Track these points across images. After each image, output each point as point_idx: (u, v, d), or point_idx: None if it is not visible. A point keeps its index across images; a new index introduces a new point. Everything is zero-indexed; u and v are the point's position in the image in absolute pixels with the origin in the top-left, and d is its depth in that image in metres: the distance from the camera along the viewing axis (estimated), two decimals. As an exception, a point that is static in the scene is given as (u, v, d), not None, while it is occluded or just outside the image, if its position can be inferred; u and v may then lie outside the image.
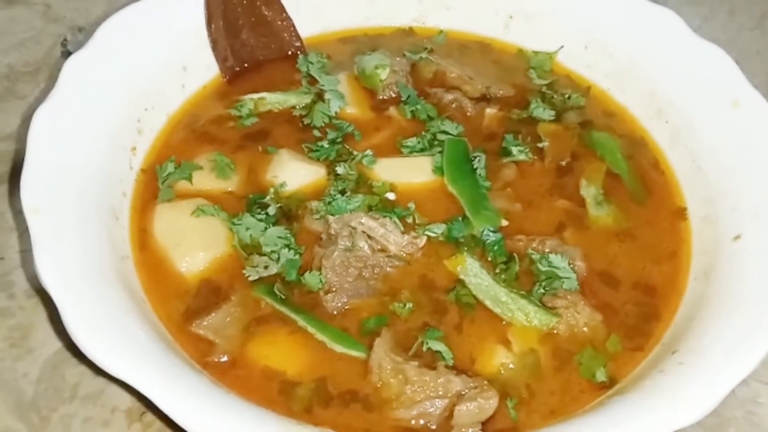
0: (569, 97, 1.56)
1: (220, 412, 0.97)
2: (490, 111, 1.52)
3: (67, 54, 1.75)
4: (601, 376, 1.17)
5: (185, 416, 0.94)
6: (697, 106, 1.43)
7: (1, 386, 1.22)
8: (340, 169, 1.38)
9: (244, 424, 0.96)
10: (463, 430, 1.09)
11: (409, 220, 1.32)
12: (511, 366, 1.17)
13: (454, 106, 1.53)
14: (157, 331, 1.12)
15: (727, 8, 2.00)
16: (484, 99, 1.55)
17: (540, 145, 1.46)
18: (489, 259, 1.28)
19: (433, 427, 1.10)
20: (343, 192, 1.33)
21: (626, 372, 1.17)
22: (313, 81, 1.53)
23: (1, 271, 1.37)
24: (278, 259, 1.25)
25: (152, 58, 1.45)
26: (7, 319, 1.31)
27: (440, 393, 1.10)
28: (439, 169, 1.39)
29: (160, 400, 0.95)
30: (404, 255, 1.28)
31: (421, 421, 1.10)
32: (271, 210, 1.31)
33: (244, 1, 1.55)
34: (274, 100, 1.51)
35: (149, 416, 1.20)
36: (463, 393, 1.10)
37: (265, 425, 0.98)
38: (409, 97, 1.52)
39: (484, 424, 1.11)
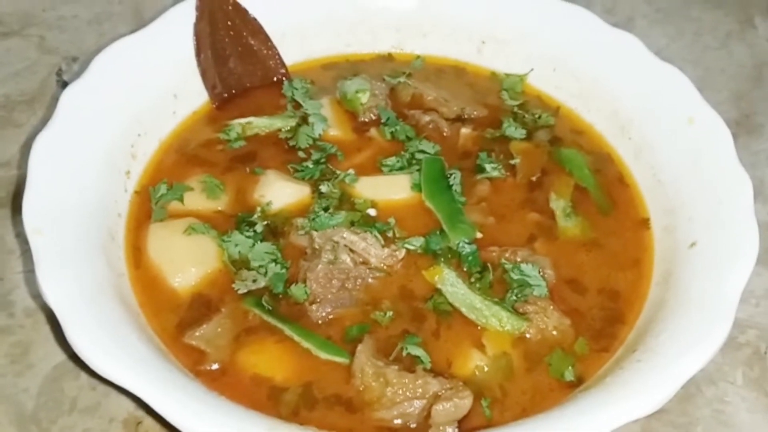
0: (539, 117, 1.61)
1: (213, 414, 1.02)
2: (465, 131, 1.57)
3: (62, 83, 1.78)
4: (569, 375, 1.21)
5: (181, 418, 0.99)
6: (656, 123, 1.49)
7: (2, 400, 1.26)
8: (323, 188, 1.42)
9: (236, 425, 1.01)
10: (441, 428, 1.13)
11: (390, 234, 1.36)
12: (485, 368, 1.21)
13: (431, 126, 1.57)
14: (152, 342, 1.17)
15: (694, 29, 2.06)
16: (460, 120, 1.60)
17: (512, 162, 1.51)
18: (465, 269, 1.33)
19: (413, 425, 1.15)
20: (326, 209, 1.38)
21: (593, 371, 1.22)
22: (297, 105, 1.58)
23: (2, 291, 1.41)
24: (266, 273, 1.30)
25: (145, 86, 1.50)
26: (7, 337, 1.34)
27: (419, 394, 1.14)
28: (417, 186, 1.44)
29: (158, 404, 0.99)
30: (385, 267, 1.33)
31: (401, 421, 1.15)
32: (259, 227, 1.36)
33: (231, 32, 1.61)
34: (260, 123, 1.55)
35: (145, 426, 1.24)
36: (440, 393, 1.14)
37: (256, 425, 1.02)
38: (388, 119, 1.56)
39: (460, 422, 1.15)
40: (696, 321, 1.15)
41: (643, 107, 1.52)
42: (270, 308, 1.27)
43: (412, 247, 1.35)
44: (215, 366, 1.20)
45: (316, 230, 1.34)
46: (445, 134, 1.58)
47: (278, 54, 1.66)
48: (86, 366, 1.07)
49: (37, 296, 1.20)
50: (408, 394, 1.15)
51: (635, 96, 1.54)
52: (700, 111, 1.43)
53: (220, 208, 1.42)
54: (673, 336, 1.15)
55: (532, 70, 1.69)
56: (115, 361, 1.05)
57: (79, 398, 1.28)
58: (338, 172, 1.47)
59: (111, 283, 1.21)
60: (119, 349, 1.07)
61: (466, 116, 1.62)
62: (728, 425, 1.29)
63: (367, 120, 1.60)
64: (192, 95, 1.59)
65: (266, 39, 1.65)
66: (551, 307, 1.28)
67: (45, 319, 1.38)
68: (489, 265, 1.33)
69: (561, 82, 1.66)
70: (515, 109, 1.64)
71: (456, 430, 1.15)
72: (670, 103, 1.48)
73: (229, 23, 1.61)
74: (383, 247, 1.34)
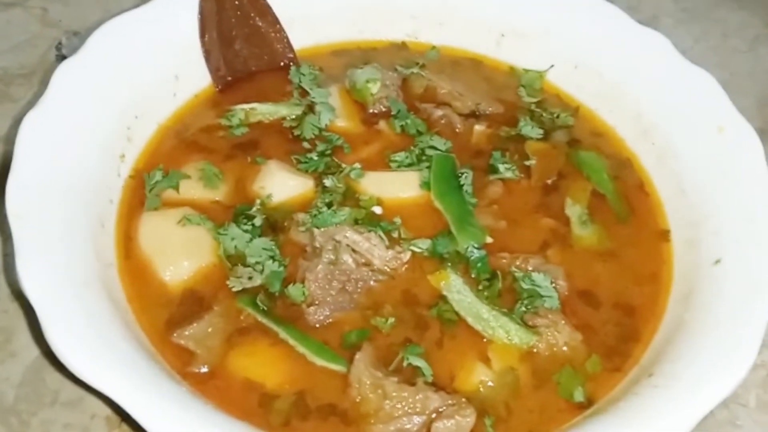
0: (558, 116, 1.57)
1: (196, 424, 0.97)
2: (479, 128, 1.52)
3: (61, 58, 1.72)
4: (578, 396, 1.17)
5: (161, 428, 0.94)
6: (682, 129, 1.44)
7: (-18, 389, 1.22)
8: (327, 182, 1.38)
9: None
10: (441, 447, 1.09)
11: (395, 235, 1.32)
12: (490, 384, 1.17)
13: (443, 121, 1.53)
14: (138, 340, 1.12)
15: (721, 30, 2.01)
16: (474, 115, 1.56)
17: (527, 163, 1.46)
18: (472, 275, 1.29)
19: (411, 443, 1.11)
20: (329, 204, 1.33)
21: (604, 392, 1.18)
22: (304, 93, 1.53)
23: (-16, 274, 1.37)
24: (262, 270, 1.25)
25: (145, 66, 1.45)
26: (-11, 323, 1.30)
27: (418, 409, 1.11)
28: (426, 185, 1.40)
29: (137, 412, 0.95)
30: (388, 269, 1.28)
31: None
32: (257, 221, 1.31)
33: (239, 12, 1.56)
34: (264, 110, 1.51)
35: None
36: (441, 410, 1.10)
37: (241, 438, 0.99)
38: (399, 111, 1.52)
39: None
40: (719, 345, 1.11)
41: (669, 111, 1.47)
42: (265, 308, 1.22)
43: (418, 250, 1.31)
44: (204, 368, 1.16)
45: (318, 227, 1.30)
46: (457, 130, 1.53)
47: (286, 37, 1.62)
48: (63, 365, 1.02)
49: (16, 283, 1.15)
50: (407, 408, 1.11)
51: (661, 99, 1.49)
52: (731, 119, 1.39)
53: (217, 199, 1.38)
54: (694, 361, 1.10)
55: (552, 66, 1.64)
56: (93, 362, 1.00)
57: (62, 391, 1.24)
58: (344, 165, 1.42)
59: (97, 274, 1.17)
60: (100, 348, 1.02)
61: (480, 112, 1.58)
62: (739, 450, 1.25)
63: (376, 111, 1.55)
64: (194, 77, 1.54)
65: (274, 21, 1.60)
66: (563, 321, 1.24)
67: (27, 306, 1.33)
68: (498, 272, 1.29)
69: (582, 81, 1.61)
70: (533, 107, 1.59)
71: (457, 449, 1.10)
72: (699, 108, 1.43)
73: (236, 2, 1.56)
74: (388, 248, 1.29)
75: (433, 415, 1.10)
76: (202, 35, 1.54)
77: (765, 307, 1.13)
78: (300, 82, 1.55)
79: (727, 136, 1.37)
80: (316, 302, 1.23)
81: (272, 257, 1.26)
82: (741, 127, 1.37)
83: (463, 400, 1.12)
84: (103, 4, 1.89)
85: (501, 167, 1.44)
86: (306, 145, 1.46)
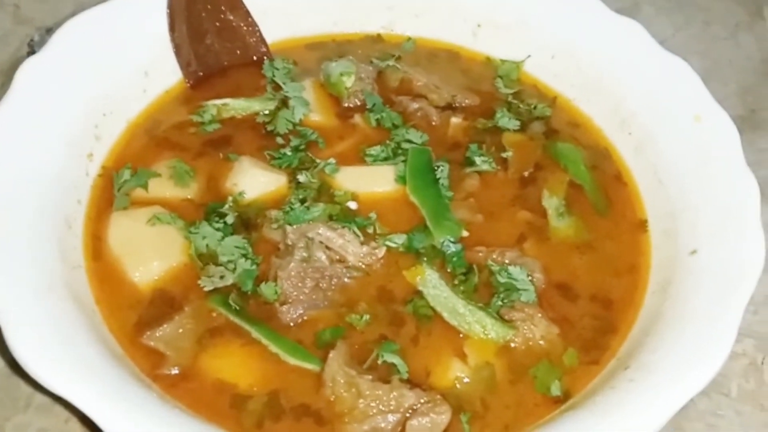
0: (535, 107, 1.55)
1: (164, 431, 0.95)
2: (456, 120, 1.51)
3: (33, 55, 1.73)
4: (555, 390, 1.16)
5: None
6: (659, 118, 1.43)
7: (-47, 395, 1.20)
8: (301, 177, 1.36)
9: None
10: (416, 445, 1.08)
11: (370, 230, 1.31)
12: (466, 380, 1.16)
13: (419, 114, 1.52)
14: (106, 343, 1.11)
15: (702, 18, 2.00)
16: (450, 108, 1.54)
17: (504, 155, 1.45)
18: (448, 270, 1.28)
19: (386, 441, 1.09)
20: (303, 201, 1.32)
21: (581, 386, 1.17)
22: (277, 87, 1.51)
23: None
24: (234, 269, 1.23)
25: (113, 61, 1.43)
26: (-41, 327, 1.29)
27: (392, 407, 1.09)
28: (401, 179, 1.38)
29: (102, 421, 0.93)
30: (363, 266, 1.27)
31: None
32: (230, 219, 1.29)
33: (209, 6, 1.53)
34: (237, 106, 1.49)
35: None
36: (415, 407, 1.09)
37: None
38: (374, 104, 1.51)
39: None
40: (695, 337, 1.10)
41: (647, 101, 1.46)
42: (237, 308, 1.21)
43: (393, 245, 1.30)
44: (175, 370, 1.15)
45: (290, 224, 1.28)
46: (433, 123, 1.51)
47: (259, 31, 1.59)
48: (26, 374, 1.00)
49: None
50: (381, 407, 1.10)
51: (638, 88, 1.48)
52: (708, 108, 1.38)
53: (189, 197, 1.36)
54: (670, 353, 1.09)
55: (529, 56, 1.62)
56: (58, 369, 0.98)
57: (35, 395, 1.22)
58: (318, 160, 1.41)
59: (63, 277, 1.15)
60: (65, 355, 1.00)
61: (457, 104, 1.56)
62: (722, 439, 1.25)
63: (351, 105, 1.53)
64: (164, 73, 1.52)
65: (246, 14, 1.57)
66: (539, 314, 1.23)
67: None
68: (475, 266, 1.28)
69: (560, 71, 1.60)
70: (510, 98, 1.58)
71: (432, 447, 1.09)
72: (676, 98, 1.42)
73: (206, -4, 1.54)
74: (362, 244, 1.28)
75: (408, 413, 1.09)
76: (172, 30, 1.51)
77: (742, 298, 1.12)
78: (273, 76, 1.53)
79: (704, 125, 1.36)
80: (289, 300, 1.21)
81: (245, 255, 1.25)
82: (718, 115, 1.36)
83: (438, 397, 1.11)
84: (76, 1, 1.84)
85: (477, 160, 1.43)
86: (279, 140, 1.44)
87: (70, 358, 1.00)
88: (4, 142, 1.21)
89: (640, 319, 1.24)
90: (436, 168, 1.39)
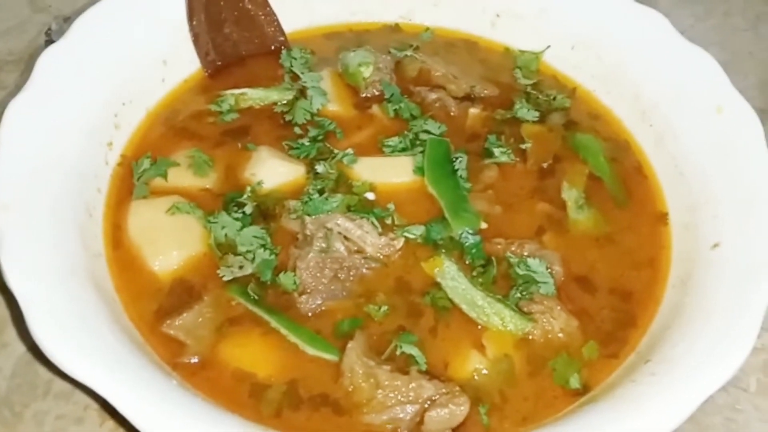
0: (554, 98, 1.54)
1: (184, 418, 0.95)
2: (474, 111, 1.50)
3: (51, 44, 1.71)
4: (574, 382, 1.16)
5: (147, 423, 0.93)
6: (681, 110, 1.42)
7: (-26, 382, 1.21)
8: (319, 168, 1.36)
9: (208, 430, 0.95)
10: (434, 436, 1.08)
11: (388, 221, 1.30)
12: (484, 371, 1.16)
13: (437, 105, 1.51)
14: (126, 331, 1.11)
15: (723, 9, 1.98)
16: (469, 98, 1.53)
17: (523, 146, 1.44)
18: (467, 262, 1.27)
19: (404, 432, 1.10)
20: (321, 191, 1.32)
21: (600, 379, 1.16)
22: (295, 77, 1.51)
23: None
24: (253, 259, 1.23)
25: (132, 50, 1.43)
26: (-20, 314, 1.29)
27: (411, 398, 1.09)
28: (420, 170, 1.38)
29: (124, 406, 0.93)
30: (381, 257, 1.27)
31: (392, 427, 1.09)
32: (248, 209, 1.29)
33: (227, -5, 1.54)
34: (255, 95, 1.48)
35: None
36: (434, 398, 1.09)
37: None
38: (392, 95, 1.50)
39: (455, 430, 1.10)
40: (717, 332, 1.09)
41: (668, 92, 1.45)
42: (256, 297, 1.21)
43: (411, 236, 1.30)
44: (194, 359, 1.15)
45: (309, 215, 1.28)
46: (452, 114, 1.51)
47: (277, 20, 1.59)
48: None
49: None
50: (400, 397, 1.10)
51: (659, 79, 1.47)
52: (730, 99, 1.36)
53: (207, 186, 1.36)
54: (692, 347, 1.08)
55: (548, 47, 1.61)
56: (80, 356, 0.98)
57: (54, 382, 1.23)
58: (336, 151, 1.40)
59: (84, 265, 1.15)
60: (87, 341, 1.00)
61: (475, 95, 1.55)
62: (740, 435, 1.24)
63: (369, 95, 1.53)
64: (183, 62, 1.52)
65: (264, 3, 1.57)
66: (558, 307, 1.22)
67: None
68: (493, 258, 1.27)
69: (579, 62, 1.58)
70: (529, 89, 1.57)
71: (450, 438, 1.09)
72: (698, 89, 1.40)
73: (225, -15, 1.54)
74: (380, 235, 1.28)
75: (427, 404, 1.09)
76: (191, 19, 1.51)
77: (764, 292, 1.11)
78: (291, 66, 1.52)
79: (726, 117, 1.35)
80: (308, 291, 1.21)
81: (263, 245, 1.25)
82: (740, 107, 1.34)
83: (457, 388, 1.11)
84: (92, -11, 1.88)
85: (496, 151, 1.42)
86: (297, 130, 1.43)
87: (92, 344, 1.01)
88: (24, 131, 1.21)
89: (660, 312, 1.23)
90: (454, 159, 1.39)
